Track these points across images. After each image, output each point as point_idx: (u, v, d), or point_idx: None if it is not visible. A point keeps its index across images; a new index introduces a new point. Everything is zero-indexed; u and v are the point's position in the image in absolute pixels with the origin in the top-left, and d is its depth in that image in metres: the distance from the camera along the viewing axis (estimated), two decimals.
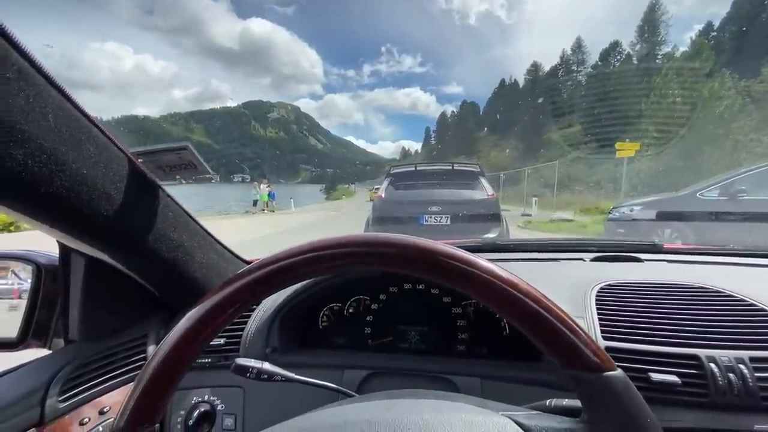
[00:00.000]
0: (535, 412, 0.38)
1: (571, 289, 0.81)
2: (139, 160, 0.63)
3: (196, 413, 0.79)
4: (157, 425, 0.37)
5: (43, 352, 0.75)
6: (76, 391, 0.67)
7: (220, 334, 0.61)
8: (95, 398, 0.70)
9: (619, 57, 59.42)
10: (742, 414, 0.57)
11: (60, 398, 0.64)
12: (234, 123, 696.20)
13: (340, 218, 15.67)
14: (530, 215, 13.67)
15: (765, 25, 40.61)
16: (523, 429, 0.33)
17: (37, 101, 0.44)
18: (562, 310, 0.34)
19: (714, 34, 46.92)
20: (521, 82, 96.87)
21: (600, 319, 0.71)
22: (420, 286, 0.93)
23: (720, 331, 0.65)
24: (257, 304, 0.89)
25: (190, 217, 0.78)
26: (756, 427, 0.56)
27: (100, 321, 0.76)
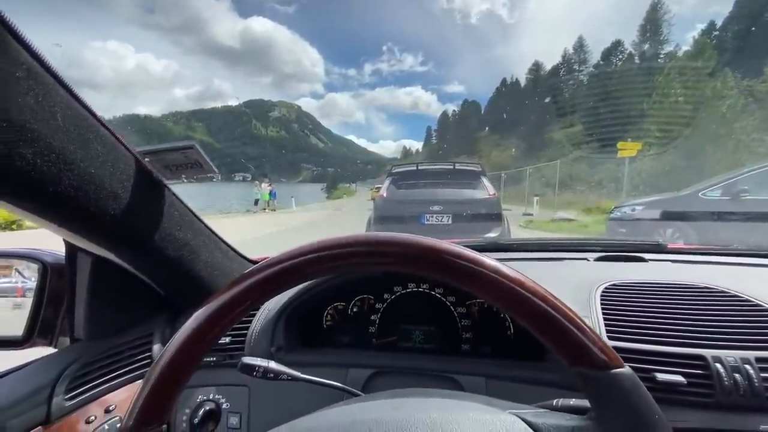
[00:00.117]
0: (542, 410, 0.38)
1: (575, 289, 0.81)
2: (146, 159, 0.63)
3: (201, 412, 0.79)
4: (165, 425, 0.37)
5: (49, 350, 0.75)
6: (82, 389, 0.67)
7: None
8: (101, 396, 0.70)
9: (621, 56, 59.28)
10: (747, 414, 0.57)
11: (66, 396, 0.64)
12: (235, 122, 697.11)
13: (341, 217, 15.67)
14: (531, 215, 13.64)
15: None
16: (531, 427, 0.33)
17: (46, 100, 0.45)
18: (570, 309, 0.34)
19: (716, 33, 46.74)
20: (523, 82, 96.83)
21: (605, 319, 0.71)
22: (424, 286, 0.93)
23: (725, 331, 0.65)
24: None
25: (195, 216, 0.78)
26: (762, 427, 0.56)
27: (106, 320, 0.76)
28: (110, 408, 0.71)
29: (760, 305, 0.69)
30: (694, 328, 0.66)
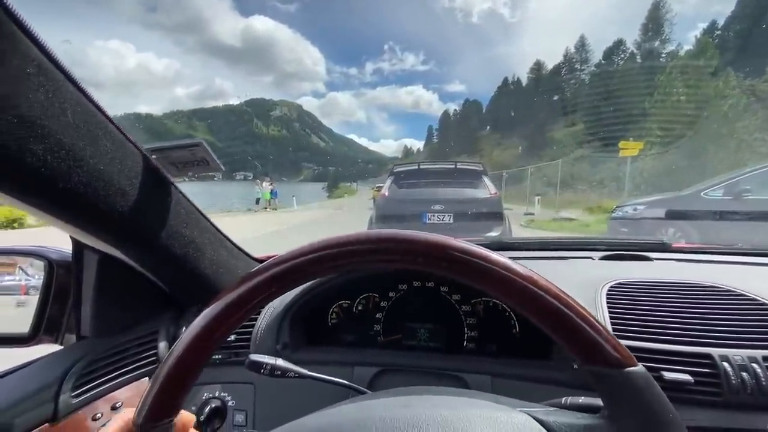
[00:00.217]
0: (553, 408, 0.38)
1: (581, 288, 0.80)
2: (153, 156, 0.63)
3: (207, 409, 0.79)
4: (175, 419, 0.37)
5: (55, 347, 0.75)
6: (88, 386, 0.67)
7: None
8: (108, 394, 0.70)
9: (623, 55, 58.98)
10: (755, 413, 0.57)
11: (73, 394, 0.64)
12: (237, 121, 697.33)
13: (342, 216, 15.67)
14: (533, 214, 13.61)
15: None
16: (543, 426, 0.33)
17: (56, 97, 0.44)
18: (582, 307, 0.34)
19: (718, 32, 46.53)
20: (524, 81, 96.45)
21: (611, 318, 0.71)
22: (429, 284, 0.93)
23: (732, 330, 0.65)
24: None
25: (201, 213, 0.78)
26: None
27: (112, 317, 0.77)
28: (117, 405, 0.71)
29: (767, 304, 0.69)
30: (701, 326, 0.66)
